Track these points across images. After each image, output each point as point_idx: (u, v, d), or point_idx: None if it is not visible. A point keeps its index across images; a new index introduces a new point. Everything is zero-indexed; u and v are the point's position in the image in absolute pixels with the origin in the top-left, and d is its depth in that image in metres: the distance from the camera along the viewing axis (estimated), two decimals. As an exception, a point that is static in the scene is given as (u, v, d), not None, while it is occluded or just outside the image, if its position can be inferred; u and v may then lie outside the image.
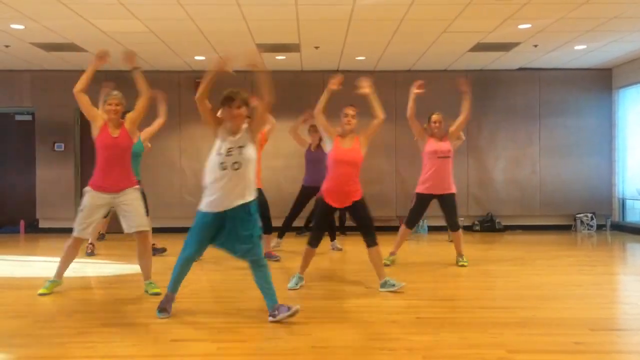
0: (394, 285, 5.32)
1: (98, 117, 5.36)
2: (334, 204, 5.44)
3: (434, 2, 6.79)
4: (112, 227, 10.81)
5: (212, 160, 4.28)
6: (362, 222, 5.48)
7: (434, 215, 10.33)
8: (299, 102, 10.68)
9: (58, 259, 5.55)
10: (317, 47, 8.99)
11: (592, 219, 10.67)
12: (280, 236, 8.23)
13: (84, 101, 5.36)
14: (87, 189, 5.26)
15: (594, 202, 10.81)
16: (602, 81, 10.89)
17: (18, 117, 11.08)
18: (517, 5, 6.91)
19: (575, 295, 5.20)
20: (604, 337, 3.93)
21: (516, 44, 8.88)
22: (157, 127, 7.44)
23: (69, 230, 11.23)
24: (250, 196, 4.26)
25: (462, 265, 6.62)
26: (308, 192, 7.95)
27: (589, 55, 9.65)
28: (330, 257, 7.49)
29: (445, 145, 6.73)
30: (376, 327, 4.14)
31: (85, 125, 10.96)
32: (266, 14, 7.20)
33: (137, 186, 5.37)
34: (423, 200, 6.77)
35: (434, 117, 6.90)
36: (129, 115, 5.42)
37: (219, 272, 6.62)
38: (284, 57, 9.72)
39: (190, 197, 9.92)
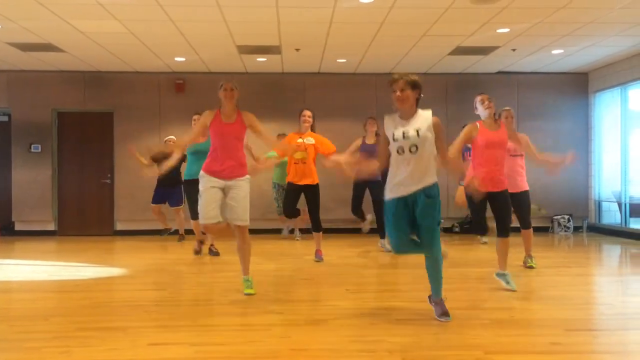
0: (508, 282, 5.35)
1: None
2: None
3: (414, 5, 6.83)
4: (89, 230, 10.71)
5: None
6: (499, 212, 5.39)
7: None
8: (280, 104, 10.69)
9: (33, 262, 5.44)
10: (298, 50, 8.99)
11: (569, 220, 10.82)
12: (383, 236, 8.10)
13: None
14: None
15: (570, 204, 10.97)
16: (579, 85, 11.07)
17: (-6, 118, 10.91)
18: (495, 10, 6.99)
19: (551, 296, 5.26)
20: (580, 337, 3.98)
21: (495, 48, 8.98)
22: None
23: (46, 233, 11.18)
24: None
25: (531, 267, 6.52)
26: (362, 185, 7.92)
27: (566, 59, 9.80)
28: (309, 259, 7.48)
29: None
30: (355, 329, 4.14)
31: (62, 126, 10.84)
32: (247, 16, 7.19)
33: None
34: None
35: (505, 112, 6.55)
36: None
37: (198, 275, 6.58)
38: (264, 59, 9.71)
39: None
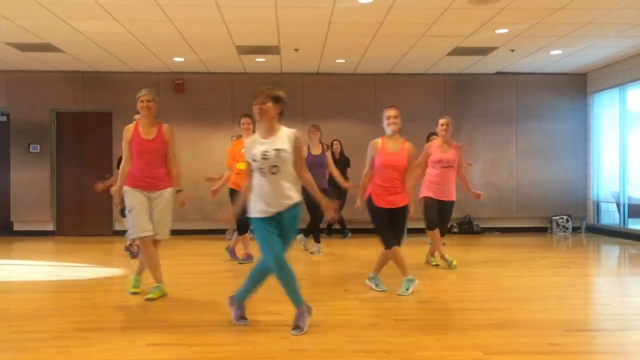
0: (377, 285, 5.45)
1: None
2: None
3: (413, 6, 6.84)
4: (88, 230, 10.70)
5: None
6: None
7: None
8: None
9: (32, 262, 5.44)
10: (296, 50, 8.99)
11: (567, 221, 10.83)
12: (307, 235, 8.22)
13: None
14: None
15: (569, 204, 10.99)
16: (577, 86, 11.08)
17: (-8, 118, 10.90)
18: (494, 11, 6.99)
19: (550, 296, 5.27)
20: (579, 337, 3.99)
21: (493, 49, 8.99)
22: None
23: (44, 233, 11.17)
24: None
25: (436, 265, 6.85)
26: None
27: (565, 60, 9.81)
28: (308, 260, 7.48)
29: (450, 155, 6.69)
30: (354, 329, 4.15)
31: (61, 126, 10.84)
32: (246, 16, 7.19)
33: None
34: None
35: (443, 120, 6.77)
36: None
37: (196, 275, 6.58)
38: (263, 60, 9.70)
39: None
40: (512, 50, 9.10)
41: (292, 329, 4.03)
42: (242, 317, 4.28)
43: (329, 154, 7.98)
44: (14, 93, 10.58)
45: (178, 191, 5.22)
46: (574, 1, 6.64)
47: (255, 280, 4.28)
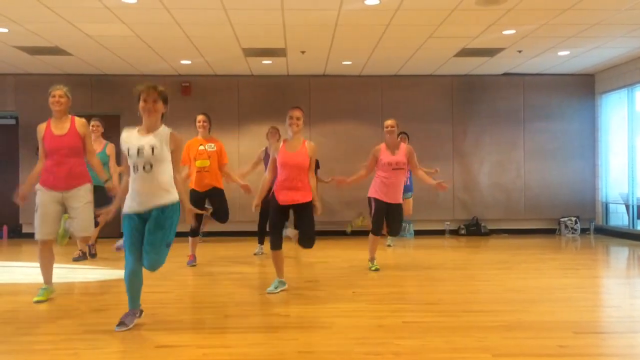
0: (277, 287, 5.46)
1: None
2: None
3: (420, 7, 6.83)
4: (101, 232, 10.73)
5: None
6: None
7: (420, 219, 10.44)
8: (285, 106, 10.68)
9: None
10: (303, 52, 9.00)
11: (576, 222, 10.78)
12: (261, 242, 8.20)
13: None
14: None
15: (577, 206, 10.94)
16: (585, 87, 11.03)
17: (1, 121, 10.96)
18: (501, 12, 6.98)
19: (559, 298, 5.25)
20: (588, 340, 3.97)
21: (501, 50, 8.96)
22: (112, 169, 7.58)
23: (53, 236, 10.99)
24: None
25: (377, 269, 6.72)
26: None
27: (572, 61, 9.77)
28: (315, 262, 7.48)
29: (399, 157, 6.64)
30: (362, 331, 4.14)
31: (69, 129, 10.87)
32: (252, 19, 7.20)
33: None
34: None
35: (389, 122, 6.74)
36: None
37: (204, 277, 6.59)
38: (270, 62, 9.72)
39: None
40: (520, 52, 9.08)
41: (117, 325, 4.10)
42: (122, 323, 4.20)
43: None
44: (23, 96, 10.64)
45: (106, 181, 5.20)
46: (581, 2, 6.62)
47: (135, 280, 4.23)
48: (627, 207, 10.33)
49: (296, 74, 10.71)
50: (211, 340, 3.93)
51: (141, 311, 4.33)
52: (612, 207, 10.88)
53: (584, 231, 10.82)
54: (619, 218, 10.76)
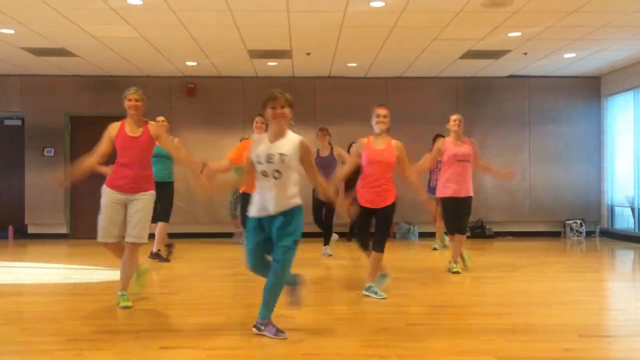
0: (376, 293, 5.31)
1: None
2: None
3: (425, 9, 6.83)
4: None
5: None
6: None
7: (425, 222, 10.41)
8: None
9: (46, 265, 5.48)
10: (308, 54, 9.01)
11: (581, 225, 10.74)
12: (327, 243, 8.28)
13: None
14: None
15: (583, 208, 10.89)
16: (591, 89, 10.99)
17: (7, 122, 11.01)
18: (507, 14, 6.96)
19: (564, 301, 5.23)
20: (593, 343, 3.95)
21: (506, 52, 8.95)
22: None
23: (58, 236, 11.26)
24: None
25: (457, 272, 6.63)
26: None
27: (578, 63, 9.75)
28: (320, 264, 7.48)
29: (465, 149, 6.63)
30: (367, 334, 4.14)
31: (75, 129, 10.93)
32: (258, 21, 7.21)
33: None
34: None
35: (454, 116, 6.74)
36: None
37: (208, 278, 6.59)
38: (275, 64, 9.73)
39: (181, 203, 9.88)
40: (525, 54, 9.06)
41: (275, 334, 3.95)
42: (278, 330, 4.05)
43: (340, 152, 8.08)
44: (29, 97, 10.68)
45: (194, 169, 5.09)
46: (588, 4, 6.60)
47: (266, 290, 4.12)
48: (633, 210, 10.29)
49: (301, 76, 10.71)
50: (215, 342, 3.93)
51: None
52: (617, 210, 10.84)
53: (589, 234, 10.78)
54: (625, 221, 10.72)
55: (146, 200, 4.94)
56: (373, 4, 6.61)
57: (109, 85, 10.74)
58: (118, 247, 5.04)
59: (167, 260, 7.63)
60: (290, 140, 4.03)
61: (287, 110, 4.04)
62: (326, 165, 7.76)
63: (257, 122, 6.99)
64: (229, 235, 10.25)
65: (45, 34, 7.83)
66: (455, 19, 7.17)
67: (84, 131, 10.88)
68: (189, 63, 9.69)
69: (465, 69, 10.14)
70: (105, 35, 7.92)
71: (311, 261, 7.70)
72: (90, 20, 7.22)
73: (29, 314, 4.91)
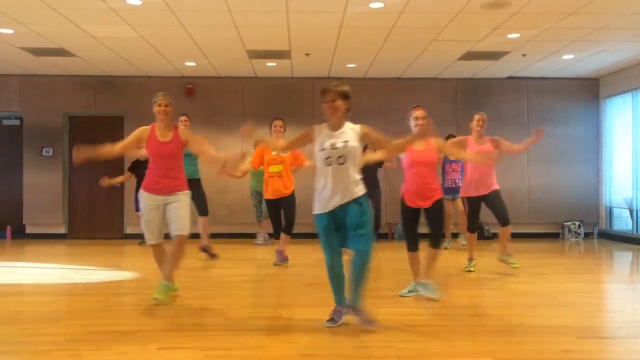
0: (429, 290, 5.31)
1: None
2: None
3: (424, 10, 6.83)
4: (100, 233, 10.77)
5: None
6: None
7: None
8: (289, 108, 10.71)
9: (44, 265, 5.48)
10: (307, 54, 9.01)
11: (579, 227, 10.75)
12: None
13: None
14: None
15: (581, 210, 10.90)
16: (590, 91, 11.01)
17: (5, 122, 11.00)
18: (506, 15, 6.97)
19: (562, 303, 5.23)
20: (592, 345, 3.95)
21: (505, 53, 8.96)
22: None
23: (56, 236, 11.25)
24: None
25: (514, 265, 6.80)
26: None
27: (577, 65, 9.76)
28: (316, 265, 7.47)
29: (486, 147, 6.72)
30: (365, 334, 4.13)
31: (73, 130, 10.92)
32: (257, 21, 7.22)
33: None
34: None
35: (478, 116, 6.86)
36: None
37: (207, 279, 6.59)
38: (274, 64, 9.73)
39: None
40: (524, 55, 9.07)
41: (364, 323, 4.14)
42: (369, 320, 4.22)
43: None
44: (27, 97, 10.68)
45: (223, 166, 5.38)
46: (586, 6, 6.61)
47: (350, 277, 4.28)
48: (631, 211, 10.30)
49: (300, 76, 10.72)
50: (213, 343, 3.93)
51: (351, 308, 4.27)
52: (616, 211, 10.85)
53: (587, 235, 10.79)
54: (623, 223, 10.73)
55: (182, 198, 5.12)
56: (372, 5, 6.61)
57: (108, 86, 10.74)
58: (161, 250, 5.23)
59: (214, 256, 7.75)
60: (350, 129, 4.23)
61: (339, 103, 4.18)
62: None
63: (275, 126, 7.10)
64: (226, 235, 10.25)
65: (44, 33, 7.82)
66: (454, 20, 7.18)
67: (82, 131, 10.88)
68: (188, 63, 9.69)
69: (464, 70, 10.14)
70: (104, 35, 7.92)
71: (307, 261, 7.69)
72: (89, 20, 7.21)
73: (27, 314, 4.90)
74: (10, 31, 7.69)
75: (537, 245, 9.86)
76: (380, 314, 4.78)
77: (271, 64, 9.72)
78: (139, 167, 9.28)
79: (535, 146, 10.95)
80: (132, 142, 5.21)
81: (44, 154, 10.69)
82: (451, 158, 5.34)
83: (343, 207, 4.14)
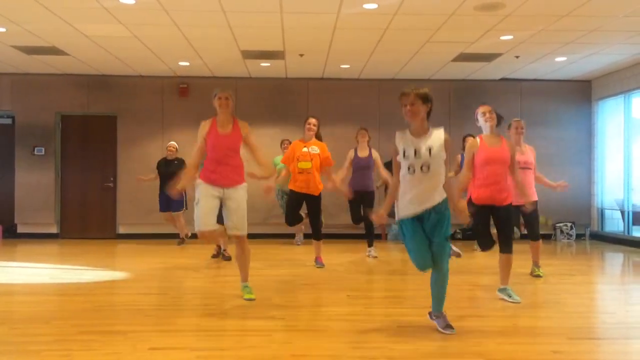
0: (510, 296, 5.23)
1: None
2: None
3: (418, 12, 6.85)
4: (92, 233, 10.72)
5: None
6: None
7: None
8: (284, 109, 10.72)
9: (35, 265, 5.46)
10: (301, 55, 9.01)
11: (571, 228, 10.79)
12: (371, 244, 8.17)
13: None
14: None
15: (573, 211, 10.95)
16: (582, 93, 11.06)
17: (-3, 121, 10.95)
18: (499, 17, 7.00)
19: (554, 304, 5.25)
20: (583, 346, 3.97)
21: (498, 55, 8.99)
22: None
23: (48, 236, 11.19)
24: None
25: (538, 276, 6.51)
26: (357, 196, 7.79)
27: (569, 67, 9.81)
28: (310, 265, 7.47)
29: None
30: (357, 335, 4.13)
31: (66, 129, 10.88)
32: (251, 21, 7.21)
33: None
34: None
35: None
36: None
37: (200, 279, 6.58)
38: (268, 64, 9.73)
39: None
40: (517, 57, 9.10)
41: (443, 328, 4.11)
42: (447, 326, 4.18)
43: (377, 157, 7.94)
44: (20, 96, 10.62)
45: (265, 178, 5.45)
46: (579, 8, 6.64)
47: (434, 285, 4.24)
48: (623, 213, 10.36)
49: (294, 77, 10.71)
50: (205, 343, 3.92)
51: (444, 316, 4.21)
52: (607, 213, 10.91)
53: (579, 237, 10.84)
54: (615, 224, 10.78)
55: (241, 194, 5.11)
56: (366, 6, 6.62)
57: (101, 85, 10.70)
58: (216, 234, 5.21)
59: (228, 258, 7.74)
60: (436, 135, 4.11)
61: (417, 107, 4.05)
62: (364, 166, 7.77)
63: (308, 124, 7.09)
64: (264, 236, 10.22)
65: (37, 32, 7.78)
66: (448, 22, 7.19)
67: (75, 130, 10.85)
68: (182, 63, 9.66)
69: (458, 71, 10.17)
70: (97, 35, 7.89)
71: (302, 262, 7.69)
72: (82, 19, 7.19)
73: (18, 314, 4.87)
74: (3, 29, 7.65)
75: (529, 246, 9.87)
76: (372, 315, 4.79)
77: (265, 64, 9.71)
78: (163, 166, 9.26)
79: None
80: (203, 140, 5.12)
81: (36, 153, 10.64)
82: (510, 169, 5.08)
83: (424, 214, 4.09)
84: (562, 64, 9.59)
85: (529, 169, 6.49)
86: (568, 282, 6.51)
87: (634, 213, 10.12)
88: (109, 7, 6.67)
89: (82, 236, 10.63)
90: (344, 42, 8.21)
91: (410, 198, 4.08)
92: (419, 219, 4.10)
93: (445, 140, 4.10)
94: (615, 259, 8.98)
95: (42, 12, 6.85)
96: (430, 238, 4.10)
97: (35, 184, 10.62)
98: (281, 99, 10.73)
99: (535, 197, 6.44)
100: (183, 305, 5.21)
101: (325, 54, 8.98)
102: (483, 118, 5.30)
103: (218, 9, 6.71)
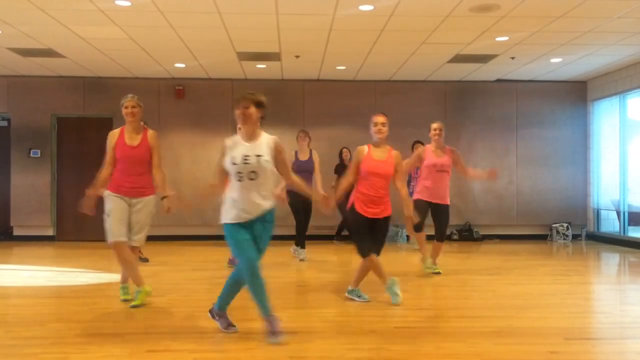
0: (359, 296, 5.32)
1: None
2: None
3: (414, 13, 6.86)
4: (88, 235, 10.70)
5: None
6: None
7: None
8: (279, 110, 10.71)
9: (31, 267, 5.44)
10: (297, 56, 9.01)
11: (567, 228, 10.82)
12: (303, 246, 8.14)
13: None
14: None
15: (569, 212, 10.98)
16: (578, 93, 11.10)
17: (-7, 123, 10.92)
18: (494, 18, 7.02)
19: (550, 304, 5.26)
20: (579, 346, 3.98)
21: (494, 56, 9.01)
22: None
23: (44, 239, 11.15)
24: None
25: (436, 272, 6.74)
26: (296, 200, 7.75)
27: (565, 68, 9.84)
28: (307, 267, 7.47)
29: (444, 159, 6.64)
30: (354, 337, 4.14)
31: (62, 131, 10.85)
32: (247, 23, 7.21)
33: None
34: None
35: (435, 125, 6.71)
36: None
37: (196, 281, 6.57)
38: (264, 66, 9.73)
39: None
40: (513, 58, 9.12)
41: (270, 335, 3.92)
42: (229, 324, 4.22)
43: (316, 160, 7.94)
44: (15, 98, 10.59)
45: (163, 197, 5.04)
46: (574, 9, 6.66)
47: (231, 288, 4.24)
48: (619, 213, 10.39)
49: (290, 79, 10.71)
50: (202, 345, 3.92)
51: (275, 317, 4.03)
52: (603, 213, 10.94)
53: (575, 237, 10.87)
54: (611, 224, 10.82)
55: (147, 204, 5.06)
56: (362, 8, 6.63)
57: (97, 87, 10.68)
58: (125, 248, 5.04)
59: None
60: (265, 141, 4.06)
61: (252, 110, 4.03)
62: (304, 169, 7.68)
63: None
64: (215, 237, 10.20)
65: (32, 34, 7.77)
66: (444, 23, 7.21)
67: (70, 132, 10.82)
68: (178, 65, 9.65)
69: (454, 72, 10.19)
70: (93, 37, 7.87)
71: (297, 264, 7.69)
72: (77, 21, 7.17)
73: (14, 317, 4.86)
74: (-2, 32, 7.63)
75: (525, 246, 9.92)
76: (369, 317, 4.80)
77: (261, 65, 9.71)
78: None
79: (523, 148, 11.07)
80: (112, 151, 5.05)
81: (31, 155, 10.61)
82: (395, 180, 5.22)
83: (252, 222, 4.06)
84: (558, 65, 9.62)
85: (446, 171, 6.67)
86: (564, 282, 6.53)
87: (630, 213, 10.15)
88: (105, 9, 6.66)
89: (78, 238, 10.58)
90: (340, 44, 8.22)
91: (236, 205, 3.99)
92: (246, 227, 4.01)
93: (276, 147, 4.05)
94: (611, 259, 9.01)
95: (38, 14, 6.83)
96: (256, 245, 4.04)
97: (31, 186, 10.59)
98: (277, 100, 10.69)
99: (447, 201, 6.72)
100: (180, 307, 5.20)
101: (321, 56, 8.98)
102: (374, 128, 5.30)
103: (214, 10, 6.71)
